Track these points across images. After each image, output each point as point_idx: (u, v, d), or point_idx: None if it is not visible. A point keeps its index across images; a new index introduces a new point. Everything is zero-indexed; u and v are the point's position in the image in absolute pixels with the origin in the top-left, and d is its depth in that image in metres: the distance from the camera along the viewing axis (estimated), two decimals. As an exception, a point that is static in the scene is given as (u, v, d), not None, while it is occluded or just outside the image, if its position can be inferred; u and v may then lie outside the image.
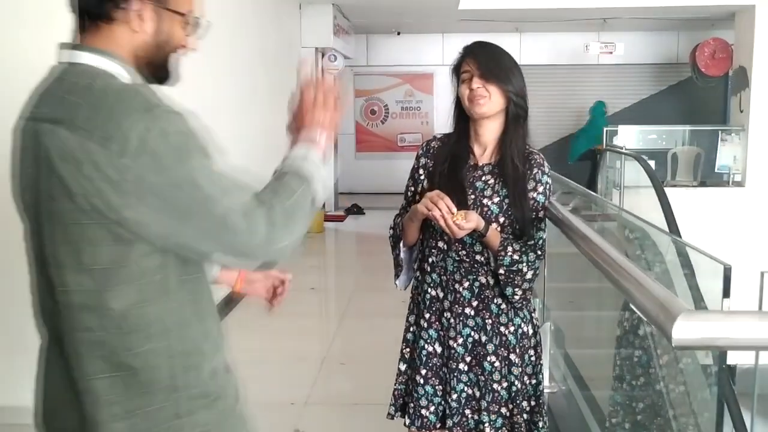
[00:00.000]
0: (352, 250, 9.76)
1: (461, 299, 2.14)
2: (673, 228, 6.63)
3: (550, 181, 2.15)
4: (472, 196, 2.12)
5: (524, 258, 2.07)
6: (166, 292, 1.29)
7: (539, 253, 2.12)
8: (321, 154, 1.45)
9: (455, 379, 2.15)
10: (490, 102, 2.11)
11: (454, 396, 2.15)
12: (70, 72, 1.32)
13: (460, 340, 2.15)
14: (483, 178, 2.14)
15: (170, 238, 1.25)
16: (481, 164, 2.15)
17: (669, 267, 3.81)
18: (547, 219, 2.12)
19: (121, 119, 1.19)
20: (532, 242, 2.10)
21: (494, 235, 2.07)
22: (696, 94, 12.06)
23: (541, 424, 2.16)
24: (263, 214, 1.27)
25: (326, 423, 3.83)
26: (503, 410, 2.13)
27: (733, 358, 5.50)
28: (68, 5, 1.37)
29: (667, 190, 7.54)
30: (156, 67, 1.43)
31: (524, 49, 12.75)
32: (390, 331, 5.56)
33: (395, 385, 2.31)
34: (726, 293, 1.34)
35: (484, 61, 2.13)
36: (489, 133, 2.17)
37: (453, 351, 2.15)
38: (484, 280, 2.13)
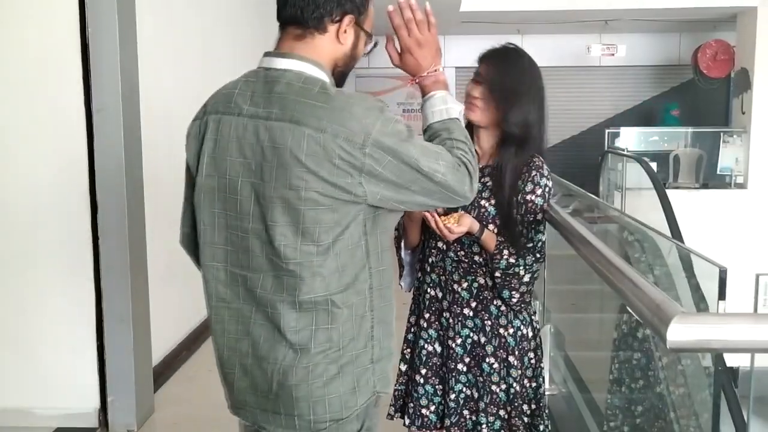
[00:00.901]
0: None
1: (460, 300, 2.14)
2: (674, 230, 6.62)
3: (549, 184, 2.11)
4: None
5: (521, 261, 2.06)
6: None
7: (538, 255, 2.09)
8: (448, 91, 1.78)
9: (453, 379, 2.15)
10: (483, 112, 2.10)
11: (453, 396, 2.15)
12: (284, 76, 1.54)
13: (459, 341, 2.15)
14: (481, 180, 2.11)
15: (401, 203, 1.54)
16: (480, 166, 2.12)
17: (671, 270, 3.80)
18: (546, 221, 2.10)
19: (362, 119, 1.46)
20: (531, 245, 2.08)
21: (489, 238, 2.07)
22: (698, 96, 12.04)
23: (542, 427, 2.15)
24: (463, 167, 1.56)
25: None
26: (501, 412, 2.12)
27: (735, 361, 5.48)
28: (281, 18, 1.64)
29: (669, 192, 7.53)
30: (343, 76, 1.67)
31: (526, 51, 12.74)
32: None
33: (395, 385, 2.30)
34: (722, 295, 1.33)
35: (499, 76, 2.10)
36: (484, 141, 2.17)
37: (452, 351, 2.16)
38: (482, 281, 2.12)
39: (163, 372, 4.31)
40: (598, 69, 12.74)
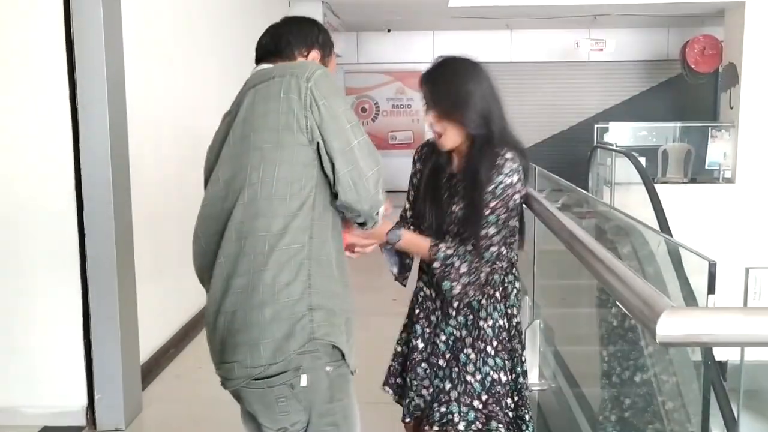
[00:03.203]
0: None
1: (447, 299, 2.18)
2: (663, 225, 6.64)
3: (509, 180, 2.07)
4: (448, 203, 2.17)
5: (457, 252, 2.09)
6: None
7: (482, 248, 2.08)
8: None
9: (434, 374, 2.21)
10: (447, 137, 2.13)
11: (431, 390, 2.22)
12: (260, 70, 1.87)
13: (443, 337, 2.21)
14: (455, 186, 2.17)
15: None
16: (456, 172, 2.19)
17: (660, 264, 3.81)
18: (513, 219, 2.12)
19: None
20: (474, 240, 2.09)
21: (411, 241, 2.17)
22: (686, 91, 12.08)
23: (527, 417, 2.17)
24: (377, 196, 1.79)
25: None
26: (475, 403, 2.14)
27: (723, 355, 5.51)
28: (262, 47, 2.00)
29: (658, 187, 7.56)
30: None
31: (515, 46, 12.75)
32: (381, 330, 5.53)
33: (392, 361, 2.42)
34: (711, 289, 1.33)
35: (436, 97, 2.13)
36: (458, 150, 2.20)
37: (436, 347, 2.22)
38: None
39: (151, 370, 4.28)
40: (587, 64, 12.76)
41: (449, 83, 2.12)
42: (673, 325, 1.00)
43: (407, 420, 2.30)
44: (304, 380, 1.69)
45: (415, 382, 2.25)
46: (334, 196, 1.74)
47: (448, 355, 2.19)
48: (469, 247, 2.08)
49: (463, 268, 2.08)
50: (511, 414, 2.16)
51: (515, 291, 2.23)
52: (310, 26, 2.02)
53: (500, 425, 2.11)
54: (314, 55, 1.95)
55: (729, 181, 9.66)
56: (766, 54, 9.39)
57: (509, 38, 12.71)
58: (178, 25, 5.07)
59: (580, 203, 4.34)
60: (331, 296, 1.74)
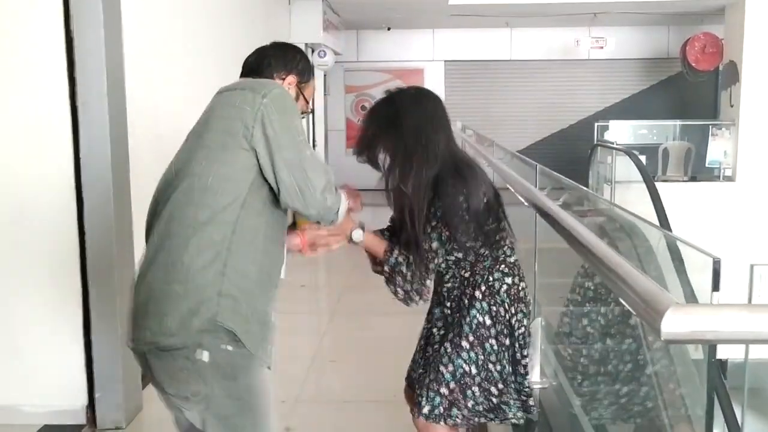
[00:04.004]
0: (342, 247, 9.72)
1: (442, 296, 2.44)
2: (663, 223, 6.64)
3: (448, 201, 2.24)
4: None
5: (407, 260, 2.30)
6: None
7: (427, 259, 2.27)
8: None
9: (425, 359, 2.47)
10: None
11: (420, 371, 2.50)
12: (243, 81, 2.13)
13: (435, 330, 2.47)
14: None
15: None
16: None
17: (660, 262, 3.80)
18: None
19: None
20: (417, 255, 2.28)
21: (371, 243, 2.39)
22: (686, 89, 12.08)
23: (512, 402, 2.32)
24: (331, 198, 2.00)
25: (317, 421, 3.81)
26: (443, 390, 2.32)
27: (724, 353, 5.50)
28: (246, 65, 2.21)
29: (658, 185, 7.55)
30: None
31: (515, 44, 12.73)
32: (380, 329, 5.56)
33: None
34: (715, 287, 1.32)
35: (364, 149, 2.40)
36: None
37: (432, 337, 2.47)
38: (451, 285, 2.40)
39: (152, 368, 4.27)
40: (587, 62, 12.75)
41: (368, 124, 2.38)
42: (678, 322, 1.00)
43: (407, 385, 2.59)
44: (205, 356, 1.83)
45: (414, 362, 2.56)
46: (278, 201, 1.92)
47: (436, 346, 2.41)
48: (417, 259, 2.29)
49: (409, 276, 2.30)
50: (495, 400, 2.32)
51: (505, 287, 2.33)
52: (293, 53, 2.22)
53: (459, 412, 2.31)
54: (291, 79, 2.15)
55: (729, 179, 9.65)
56: (767, 52, 9.38)
57: (509, 36, 12.70)
58: (178, 22, 5.06)
59: (581, 201, 4.33)
60: (243, 290, 1.87)
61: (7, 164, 3.53)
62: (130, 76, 3.74)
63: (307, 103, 2.23)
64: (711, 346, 1.76)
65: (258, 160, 1.86)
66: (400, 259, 2.31)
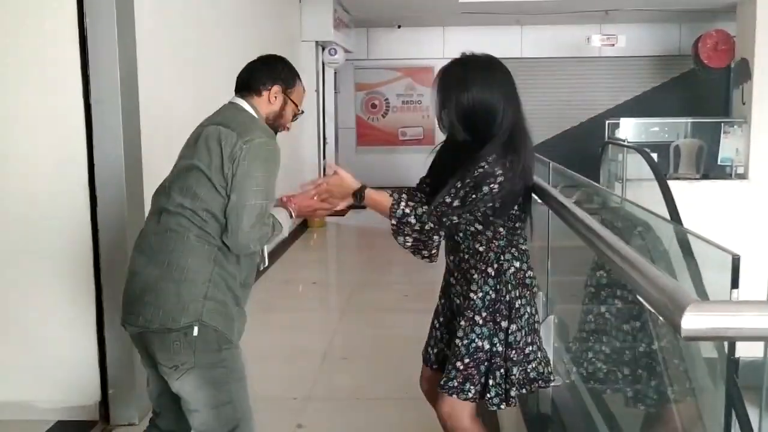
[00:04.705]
0: (353, 244, 9.74)
1: (451, 269, 2.50)
2: (676, 220, 6.60)
3: (490, 170, 2.24)
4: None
5: (413, 212, 2.33)
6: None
7: (438, 212, 2.29)
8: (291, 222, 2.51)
9: (440, 331, 2.59)
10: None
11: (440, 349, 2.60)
12: (231, 108, 2.46)
13: (448, 304, 2.54)
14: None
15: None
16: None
17: (672, 258, 3.77)
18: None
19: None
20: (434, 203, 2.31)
21: (374, 200, 2.43)
22: (698, 86, 12.01)
23: (491, 382, 2.35)
24: (257, 240, 2.33)
25: (328, 418, 3.81)
26: (458, 364, 2.36)
27: (738, 351, 5.47)
28: (239, 81, 2.51)
29: (670, 183, 7.50)
30: (274, 128, 2.49)
31: (525, 42, 12.70)
32: (391, 326, 5.56)
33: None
34: (734, 284, 1.32)
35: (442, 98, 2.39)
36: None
37: (447, 311, 2.55)
38: (461, 255, 2.42)
39: (164, 365, 4.29)
40: (598, 59, 12.70)
41: (450, 89, 2.33)
42: (698, 319, 0.99)
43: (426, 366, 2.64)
44: (195, 331, 2.23)
45: (431, 342, 2.62)
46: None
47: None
48: (425, 209, 2.33)
49: (417, 226, 2.32)
50: (482, 379, 2.36)
51: (512, 269, 2.36)
52: (276, 64, 2.52)
53: (472, 387, 2.35)
54: (276, 89, 2.46)
55: (741, 177, 9.60)
56: (779, 49, 9.32)
57: (520, 34, 12.67)
58: (190, 21, 5.07)
59: (593, 199, 4.32)
60: (225, 294, 2.30)
61: (22, 162, 3.54)
62: (142, 75, 3.75)
63: (297, 105, 2.53)
64: (730, 344, 1.75)
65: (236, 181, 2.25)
66: (407, 210, 2.33)
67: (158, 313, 2.23)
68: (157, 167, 4.20)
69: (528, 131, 2.36)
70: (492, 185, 2.23)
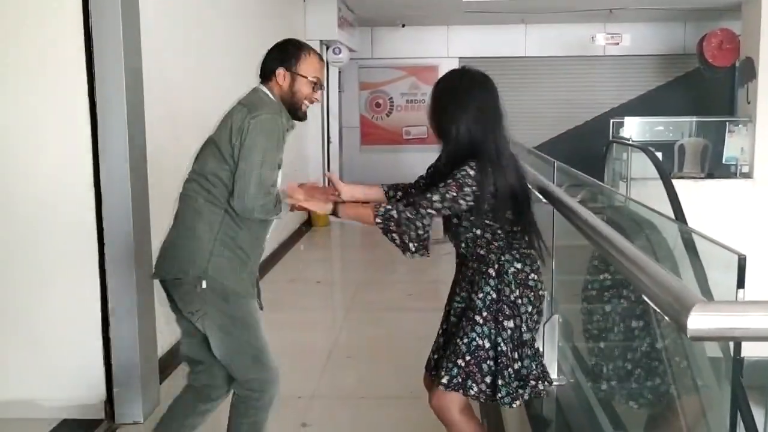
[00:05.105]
0: (357, 243, 9.74)
1: (460, 275, 2.64)
2: (681, 220, 6.59)
3: (470, 172, 2.41)
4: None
5: (396, 207, 2.47)
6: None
7: (420, 205, 2.42)
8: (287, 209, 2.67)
9: (443, 338, 2.67)
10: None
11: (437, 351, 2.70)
12: (251, 92, 2.72)
13: (452, 311, 2.63)
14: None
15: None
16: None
17: (677, 258, 3.76)
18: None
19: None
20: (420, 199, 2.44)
21: (353, 211, 2.59)
22: (703, 85, 11.98)
23: (500, 382, 2.43)
24: (262, 201, 2.54)
25: (333, 417, 3.82)
26: (459, 361, 2.45)
27: (742, 351, 5.45)
28: (260, 70, 2.74)
29: (674, 182, 7.49)
30: (289, 108, 2.70)
31: (529, 41, 12.68)
32: (395, 325, 5.56)
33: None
34: (740, 283, 1.31)
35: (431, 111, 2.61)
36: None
37: (451, 316, 2.64)
38: (468, 264, 2.57)
39: (168, 364, 4.30)
40: (603, 58, 12.67)
41: (436, 102, 2.53)
42: (704, 319, 0.99)
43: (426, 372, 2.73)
44: (204, 284, 2.55)
45: (434, 347, 2.70)
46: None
47: (453, 320, 2.58)
48: (405, 203, 2.51)
49: (400, 221, 2.43)
50: (487, 379, 2.44)
51: (513, 270, 2.46)
52: (284, 46, 2.73)
53: (474, 384, 2.43)
54: (281, 72, 2.67)
55: (746, 176, 9.57)
56: (785, 48, 9.29)
57: (524, 33, 12.64)
58: (194, 21, 5.08)
59: (598, 198, 4.31)
60: (232, 251, 2.59)
61: (27, 160, 3.55)
62: (147, 74, 3.76)
63: (305, 77, 2.68)
64: (736, 344, 1.75)
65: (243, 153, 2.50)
66: (388, 207, 2.47)
67: (173, 265, 2.60)
68: (163, 166, 4.22)
69: (505, 142, 2.53)
70: (471, 185, 2.38)
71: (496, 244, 2.48)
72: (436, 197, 2.40)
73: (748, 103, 9.64)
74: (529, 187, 2.56)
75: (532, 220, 2.52)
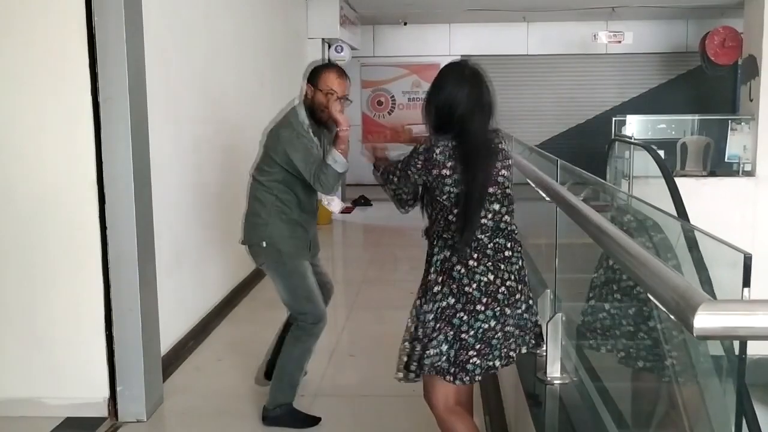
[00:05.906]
0: (359, 241, 9.74)
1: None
2: (683, 218, 6.58)
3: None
4: None
5: (387, 168, 2.81)
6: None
7: (386, 172, 2.79)
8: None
9: (428, 340, 2.61)
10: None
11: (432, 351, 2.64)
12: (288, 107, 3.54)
13: (430, 314, 2.56)
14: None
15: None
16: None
17: (680, 257, 3.76)
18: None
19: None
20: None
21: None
22: (705, 83, 11.97)
23: (464, 358, 2.47)
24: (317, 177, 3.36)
25: (336, 415, 3.82)
26: (471, 353, 2.46)
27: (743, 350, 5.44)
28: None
29: (677, 180, 7.48)
30: (315, 117, 3.45)
31: (531, 39, 12.67)
32: (398, 323, 5.54)
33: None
34: (746, 282, 1.31)
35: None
36: None
37: (426, 323, 2.60)
38: (443, 255, 2.53)
39: (171, 362, 4.31)
40: (605, 56, 12.68)
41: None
42: (711, 318, 0.99)
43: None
44: (264, 245, 3.45)
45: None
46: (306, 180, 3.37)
47: (438, 324, 2.47)
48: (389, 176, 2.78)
49: (384, 181, 2.79)
50: (404, 357, 2.58)
51: (442, 257, 2.51)
52: (309, 71, 3.51)
53: (400, 365, 2.57)
54: (305, 86, 3.46)
55: (749, 174, 9.55)
56: (787, 46, 9.27)
57: (526, 31, 12.64)
58: (198, 19, 5.08)
59: (600, 196, 4.31)
60: (284, 221, 3.45)
61: (31, 160, 3.56)
62: (150, 72, 3.76)
63: (321, 90, 3.38)
64: (742, 342, 1.75)
65: (287, 160, 3.38)
66: (390, 167, 2.79)
67: (246, 234, 3.52)
68: (166, 165, 4.22)
69: (482, 132, 2.64)
70: (415, 163, 2.59)
71: (433, 228, 2.58)
72: (400, 165, 2.67)
73: (751, 100, 9.62)
74: (500, 181, 2.49)
75: (470, 215, 2.43)
